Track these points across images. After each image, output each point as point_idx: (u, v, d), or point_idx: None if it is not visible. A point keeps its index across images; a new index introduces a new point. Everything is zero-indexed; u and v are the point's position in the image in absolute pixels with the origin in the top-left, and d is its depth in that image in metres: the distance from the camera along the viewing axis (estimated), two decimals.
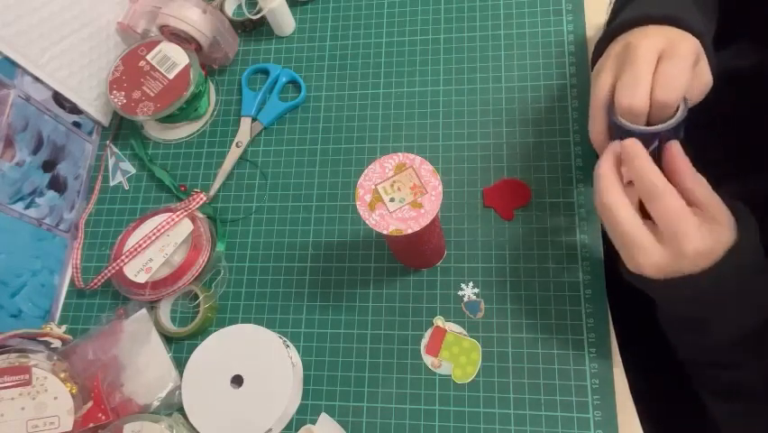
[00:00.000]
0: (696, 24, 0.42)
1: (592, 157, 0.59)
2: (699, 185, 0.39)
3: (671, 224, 0.38)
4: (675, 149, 0.40)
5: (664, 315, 0.45)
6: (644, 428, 0.50)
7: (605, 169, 0.40)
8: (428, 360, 0.55)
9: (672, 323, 0.46)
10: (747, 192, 0.45)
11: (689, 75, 0.39)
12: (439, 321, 0.56)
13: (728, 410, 0.45)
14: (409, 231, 0.42)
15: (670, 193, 0.38)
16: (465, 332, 0.55)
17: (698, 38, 0.41)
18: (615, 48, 0.43)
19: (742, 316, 0.41)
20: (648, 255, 0.39)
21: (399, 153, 0.45)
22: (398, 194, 0.44)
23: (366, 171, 0.45)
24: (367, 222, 0.43)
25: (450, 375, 0.54)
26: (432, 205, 0.43)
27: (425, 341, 0.56)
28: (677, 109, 0.40)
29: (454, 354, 0.54)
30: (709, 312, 0.41)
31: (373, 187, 0.44)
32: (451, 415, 0.53)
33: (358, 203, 0.44)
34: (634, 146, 0.39)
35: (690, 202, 0.38)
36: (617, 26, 0.44)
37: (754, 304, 0.40)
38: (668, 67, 0.39)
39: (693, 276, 0.38)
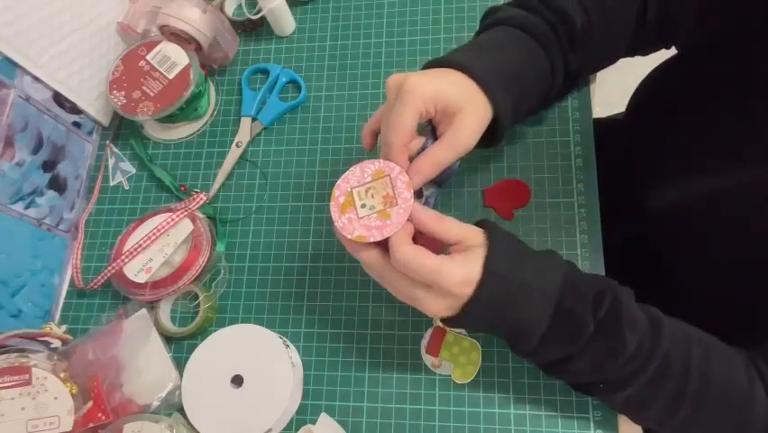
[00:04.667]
0: (479, 70, 0.45)
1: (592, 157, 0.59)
2: (445, 228, 0.43)
3: (426, 278, 0.41)
4: (414, 212, 0.43)
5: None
6: (644, 429, 0.50)
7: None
8: (428, 360, 0.55)
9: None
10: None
11: (404, 116, 0.42)
12: (439, 321, 0.56)
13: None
14: (372, 240, 0.42)
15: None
16: (465, 332, 0.55)
17: (485, 90, 0.45)
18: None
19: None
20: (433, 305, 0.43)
21: (381, 160, 0.44)
22: (370, 201, 0.43)
23: (346, 173, 0.44)
24: (335, 223, 0.43)
25: (450, 375, 0.54)
26: (399, 218, 0.42)
27: (424, 341, 0.56)
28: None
29: (454, 354, 0.54)
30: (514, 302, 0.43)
31: (349, 189, 0.43)
32: (451, 415, 0.53)
33: (332, 203, 0.43)
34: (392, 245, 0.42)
35: (450, 243, 0.43)
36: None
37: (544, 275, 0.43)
38: (390, 111, 0.43)
39: (477, 293, 0.41)
